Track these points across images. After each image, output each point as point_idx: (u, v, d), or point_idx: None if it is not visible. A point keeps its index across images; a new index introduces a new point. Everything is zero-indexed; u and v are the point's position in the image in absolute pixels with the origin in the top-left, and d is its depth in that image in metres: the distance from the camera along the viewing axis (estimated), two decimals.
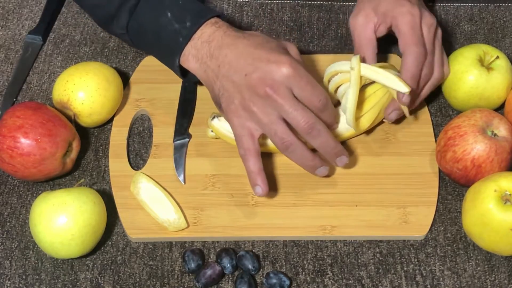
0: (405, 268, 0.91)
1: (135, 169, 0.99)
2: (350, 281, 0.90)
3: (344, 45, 1.12)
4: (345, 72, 0.95)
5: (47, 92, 1.07)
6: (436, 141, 1.00)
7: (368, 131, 1.01)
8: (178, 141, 1.00)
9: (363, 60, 0.98)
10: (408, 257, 0.92)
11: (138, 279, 0.90)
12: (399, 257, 0.92)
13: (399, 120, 1.01)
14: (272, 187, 0.94)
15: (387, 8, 0.97)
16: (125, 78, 1.06)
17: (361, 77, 0.93)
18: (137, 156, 1.01)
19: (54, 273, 0.91)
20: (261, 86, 0.89)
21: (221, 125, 0.97)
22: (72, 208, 0.88)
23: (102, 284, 0.90)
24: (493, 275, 0.90)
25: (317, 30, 1.14)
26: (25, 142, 0.92)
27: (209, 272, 0.89)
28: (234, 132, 0.92)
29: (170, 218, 0.92)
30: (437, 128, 1.03)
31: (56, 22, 1.16)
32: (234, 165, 0.98)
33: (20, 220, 0.95)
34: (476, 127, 0.93)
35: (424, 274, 0.91)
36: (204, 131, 1.00)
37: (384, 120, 0.99)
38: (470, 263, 0.91)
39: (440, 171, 0.98)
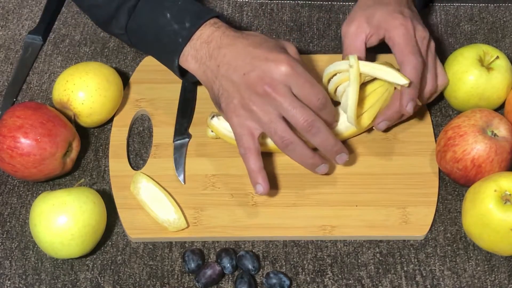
0: (405, 268, 0.91)
1: (135, 169, 0.99)
2: (350, 281, 0.90)
3: None
4: (343, 71, 0.95)
5: (47, 92, 1.07)
6: (436, 141, 1.00)
7: (368, 131, 1.01)
8: (178, 141, 1.00)
9: None
10: (408, 257, 0.92)
11: (138, 279, 0.90)
12: (399, 257, 0.92)
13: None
14: (272, 187, 0.94)
15: (381, 20, 0.96)
16: (125, 78, 1.06)
17: (360, 74, 0.93)
18: (137, 156, 1.01)
19: (54, 273, 0.91)
20: (260, 84, 0.89)
21: (221, 125, 0.97)
22: (72, 208, 0.88)
23: (102, 284, 0.90)
24: (493, 275, 0.90)
25: (317, 30, 1.14)
26: (25, 142, 0.92)
27: (209, 272, 0.89)
28: (234, 131, 0.92)
29: (170, 218, 0.92)
30: (437, 128, 1.03)
31: (56, 22, 1.16)
32: (234, 165, 0.98)
33: (20, 220, 0.95)
34: (476, 127, 0.93)
35: (424, 274, 0.91)
36: (204, 131, 1.00)
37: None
38: (470, 263, 0.91)
39: (440, 171, 0.98)
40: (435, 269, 0.91)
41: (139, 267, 0.92)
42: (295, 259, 0.92)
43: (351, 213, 0.94)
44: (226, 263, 0.90)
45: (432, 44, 0.98)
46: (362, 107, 0.96)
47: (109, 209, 0.93)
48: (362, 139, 1.01)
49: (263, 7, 1.17)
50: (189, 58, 0.95)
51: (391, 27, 0.95)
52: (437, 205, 0.96)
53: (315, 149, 0.93)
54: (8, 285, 0.90)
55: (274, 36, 1.13)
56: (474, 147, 0.92)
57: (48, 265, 0.92)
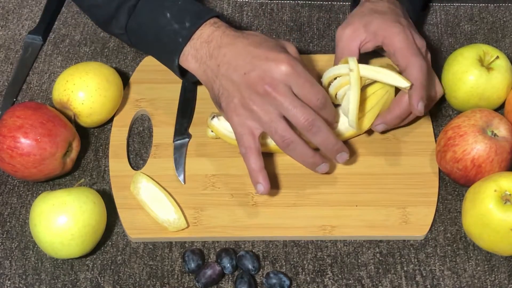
0: (405, 268, 0.91)
1: (135, 169, 0.99)
2: (350, 281, 0.90)
3: None
4: (344, 75, 0.94)
5: (47, 92, 1.07)
6: (436, 141, 1.00)
7: (368, 131, 1.01)
8: (178, 141, 1.00)
9: None
10: (408, 257, 0.92)
11: (138, 279, 0.90)
12: (399, 257, 0.92)
13: None
14: (272, 187, 0.94)
15: (378, 27, 0.96)
16: (125, 78, 1.06)
17: (360, 77, 0.93)
18: (137, 156, 1.01)
19: (54, 273, 0.91)
20: (260, 84, 0.89)
21: (221, 125, 0.97)
22: (72, 208, 0.88)
23: (102, 284, 0.90)
24: (493, 275, 0.90)
25: (317, 30, 1.14)
26: (25, 142, 0.92)
27: (209, 272, 0.89)
28: (235, 131, 0.92)
29: (170, 218, 0.92)
30: (437, 128, 1.03)
31: (56, 22, 1.16)
32: (234, 165, 0.98)
33: (20, 220, 0.95)
34: (476, 127, 0.93)
35: (424, 274, 0.91)
36: (204, 131, 1.00)
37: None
38: (470, 263, 0.91)
39: (440, 171, 0.98)
40: (435, 269, 0.91)
41: (139, 267, 0.92)
42: (295, 259, 0.92)
43: (351, 213, 0.94)
44: (226, 263, 0.90)
45: (429, 54, 0.98)
46: (362, 109, 0.96)
47: (109, 209, 0.93)
48: (362, 139, 1.01)
49: (263, 7, 1.17)
50: (189, 58, 0.95)
51: (390, 34, 0.95)
52: (437, 205, 0.96)
53: (315, 149, 0.93)
54: (8, 285, 0.90)
55: (274, 36, 1.13)
56: (474, 147, 0.92)
57: (48, 265, 0.92)
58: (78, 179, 0.99)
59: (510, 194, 0.87)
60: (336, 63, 0.99)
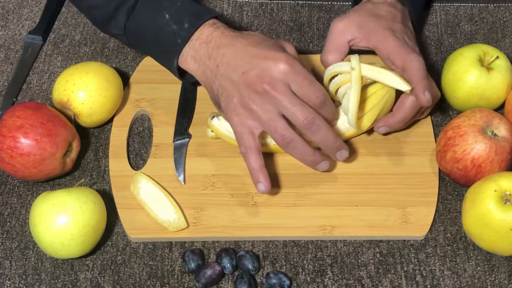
0: (405, 268, 0.91)
1: (135, 169, 0.99)
2: (350, 281, 0.90)
3: None
4: (345, 73, 0.94)
5: (47, 92, 1.07)
6: (436, 141, 1.00)
7: (369, 131, 1.01)
8: (178, 141, 1.00)
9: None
10: (408, 257, 0.92)
11: (138, 279, 0.90)
12: (399, 257, 0.92)
13: None
14: (272, 187, 0.94)
15: (371, 31, 0.96)
16: (125, 78, 1.06)
17: (362, 77, 0.93)
18: (137, 156, 1.01)
19: (54, 273, 0.91)
20: (259, 83, 0.89)
21: (221, 125, 0.97)
22: (72, 208, 0.88)
23: (102, 284, 0.90)
24: (493, 275, 0.90)
25: (317, 30, 1.14)
26: (25, 142, 0.92)
27: (209, 272, 0.89)
28: (234, 130, 0.92)
29: (170, 218, 0.92)
30: (437, 128, 1.03)
31: (56, 22, 1.16)
32: (234, 165, 0.98)
33: (20, 220, 0.95)
34: (476, 127, 0.93)
35: (424, 274, 0.91)
36: (204, 131, 1.00)
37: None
38: (470, 263, 0.91)
39: (440, 171, 0.98)
40: (435, 269, 0.91)
41: (139, 267, 0.92)
42: (295, 259, 0.92)
43: (351, 213, 0.94)
44: (226, 263, 0.90)
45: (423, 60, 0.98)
46: (362, 109, 0.96)
47: (109, 209, 0.93)
48: (362, 139, 1.01)
49: (263, 7, 1.17)
50: (188, 59, 0.95)
51: (382, 38, 0.95)
52: (437, 205, 0.96)
53: (317, 148, 0.93)
54: (8, 285, 0.90)
55: (274, 36, 1.13)
56: (474, 147, 0.92)
57: (48, 265, 0.92)
58: (78, 179, 0.99)
59: (510, 194, 0.87)
60: (324, 55, 0.98)
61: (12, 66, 1.10)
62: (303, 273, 0.91)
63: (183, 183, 0.97)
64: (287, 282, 0.89)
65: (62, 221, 0.88)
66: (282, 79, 0.89)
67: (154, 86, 1.06)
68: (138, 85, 1.06)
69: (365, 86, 0.96)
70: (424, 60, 0.94)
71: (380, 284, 0.90)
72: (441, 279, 0.90)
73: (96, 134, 1.03)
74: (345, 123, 0.97)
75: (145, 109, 1.04)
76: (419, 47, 1.01)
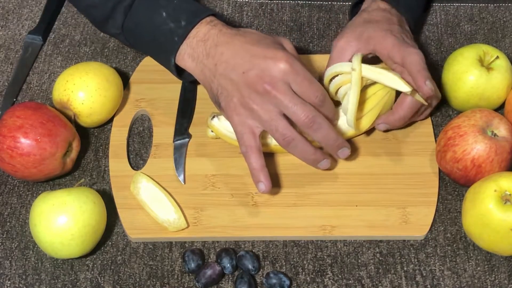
0: (405, 268, 0.91)
1: (135, 169, 0.99)
2: (350, 281, 0.90)
3: None
4: (346, 73, 0.94)
5: (47, 92, 1.07)
6: (436, 141, 1.00)
7: (368, 131, 1.01)
8: (178, 141, 1.00)
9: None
10: (408, 257, 0.92)
11: (138, 279, 0.90)
12: (399, 257, 0.92)
13: None
14: (273, 187, 0.94)
15: (370, 35, 0.97)
16: (125, 78, 1.06)
17: (362, 78, 0.93)
18: (137, 156, 1.01)
19: (54, 273, 0.91)
20: (259, 83, 0.89)
21: (221, 125, 0.97)
22: (72, 208, 0.88)
23: (102, 284, 0.90)
24: (493, 275, 0.90)
25: (317, 30, 1.14)
26: (25, 142, 0.92)
27: (209, 272, 0.89)
28: (235, 130, 0.92)
29: (170, 218, 0.92)
30: (437, 128, 1.03)
31: (56, 22, 1.16)
32: (234, 165, 0.98)
33: (20, 220, 0.95)
34: (476, 127, 0.93)
35: (424, 274, 0.91)
36: (204, 131, 1.00)
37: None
38: (470, 263, 0.91)
39: (440, 171, 0.98)
40: (435, 269, 0.91)
41: (139, 267, 0.92)
42: (295, 259, 0.92)
43: (351, 213, 0.94)
44: (226, 263, 0.90)
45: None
46: (362, 110, 0.96)
47: (109, 209, 0.93)
48: (362, 139, 1.01)
49: (263, 7, 1.17)
50: (186, 57, 0.95)
51: (381, 38, 0.95)
52: (437, 205, 0.96)
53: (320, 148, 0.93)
54: (8, 285, 0.90)
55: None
56: (474, 147, 0.92)
57: (48, 265, 0.92)
58: (78, 179, 0.99)
59: (510, 194, 0.87)
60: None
61: (12, 66, 1.10)
62: (303, 273, 0.91)
63: (183, 183, 0.97)
64: (287, 282, 0.89)
65: (62, 221, 0.87)
66: (282, 78, 0.89)
67: (154, 86, 1.06)
68: (138, 85, 1.06)
69: (365, 87, 0.96)
70: (423, 55, 0.94)
71: (380, 284, 0.90)
72: (441, 279, 0.90)
73: (96, 134, 1.03)
74: (345, 123, 0.97)
75: (145, 109, 1.04)
76: (419, 47, 1.01)
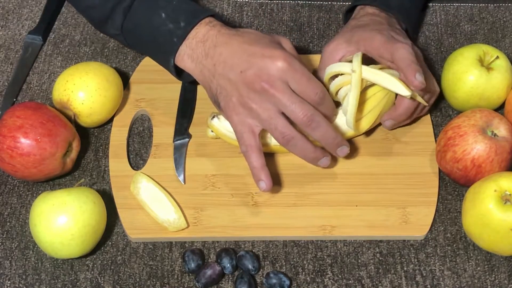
0: (405, 268, 0.91)
1: (135, 169, 0.99)
2: (350, 281, 0.90)
3: None
4: (346, 74, 0.94)
5: (47, 92, 1.07)
6: (436, 141, 1.00)
7: (368, 132, 1.01)
8: (178, 141, 1.00)
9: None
10: (408, 257, 0.92)
11: (138, 279, 0.90)
12: (399, 257, 0.92)
13: None
14: (273, 187, 0.94)
15: (359, 38, 0.97)
16: (125, 78, 1.06)
17: (362, 79, 0.93)
18: (137, 156, 1.01)
19: (54, 273, 0.91)
20: (257, 81, 0.89)
21: (221, 125, 0.97)
22: (72, 208, 0.88)
23: (102, 284, 0.90)
24: (493, 275, 0.90)
25: (317, 30, 1.14)
26: (25, 142, 0.92)
27: (209, 272, 0.89)
28: (235, 129, 0.92)
29: (170, 218, 0.92)
30: (437, 128, 1.03)
31: (56, 22, 1.16)
32: (234, 165, 0.98)
33: (20, 220, 0.95)
34: (476, 127, 0.93)
35: (424, 274, 0.91)
36: (204, 131, 1.00)
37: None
38: (470, 263, 0.91)
39: (440, 171, 0.98)
40: (435, 269, 0.91)
41: (139, 267, 0.92)
42: (295, 259, 0.92)
43: (351, 213, 0.94)
44: (226, 263, 0.90)
45: (418, 50, 0.98)
46: (361, 111, 0.96)
47: (109, 209, 0.93)
48: (362, 139, 1.01)
49: (263, 7, 1.17)
50: (185, 58, 0.95)
51: (369, 38, 0.95)
52: (437, 205, 0.96)
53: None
54: (8, 285, 0.90)
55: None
56: (474, 147, 0.92)
57: (48, 265, 0.92)
58: (78, 179, 0.99)
59: (510, 194, 0.87)
60: (319, 74, 0.99)
61: (12, 66, 1.10)
62: (303, 273, 0.91)
63: (183, 183, 0.97)
64: (287, 282, 0.89)
65: (62, 221, 0.87)
66: (280, 77, 0.89)
67: (154, 86, 1.06)
68: (138, 85, 1.06)
69: (365, 88, 0.96)
70: (416, 49, 0.94)
71: (380, 284, 0.90)
72: (441, 279, 0.90)
73: (96, 134, 1.03)
74: (345, 124, 0.97)
75: (145, 109, 1.04)
76: (419, 47, 1.01)
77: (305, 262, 0.92)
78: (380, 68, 0.95)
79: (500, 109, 1.01)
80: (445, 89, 1.02)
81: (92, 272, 0.91)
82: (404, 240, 0.93)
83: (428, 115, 1.03)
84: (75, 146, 0.97)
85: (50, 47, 1.12)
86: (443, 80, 1.02)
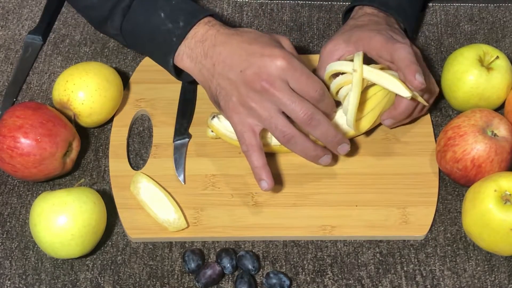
0: (405, 268, 0.91)
1: (135, 169, 0.99)
2: (350, 281, 0.90)
3: None
4: (347, 73, 0.94)
5: (47, 92, 1.07)
6: (436, 141, 1.00)
7: (368, 132, 1.01)
8: (178, 141, 1.00)
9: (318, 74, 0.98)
10: (408, 257, 0.92)
11: (138, 279, 0.90)
12: (399, 257, 0.92)
13: None
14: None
15: (358, 38, 0.97)
16: (125, 78, 1.06)
17: (363, 79, 0.93)
18: (137, 156, 1.01)
19: (54, 273, 0.91)
20: (257, 81, 0.89)
21: (221, 125, 0.97)
22: (72, 208, 0.88)
23: (102, 284, 0.90)
24: (493, 275, 0.90)
25: (317, 30, 1.14)
26: (25, 142, 0.92)
27: (209, 272, 0.89)
28: (235, 129, 0.92)
29: (170, 218, 0.92)
30: (437, 128, 1.03)
31: (56, 22, 1.16)
32: (234, 165, 0.98)
33: (20, 220, 0.95)
34: (476, 127, 0.93)
35: (424, 274, 0.91)
36: (204, 131, 1.00)
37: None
38: (470, 263, 0.91)
39: (440, 171, 0.98)
40: (435, 269, 0.91)
41: (139, 267, 0.92)
42: (295, 259, 0.92)
43: (351, 213, 0.94)
44: (226, 263, 0.90)
45: (417, 50, 0.98)
46: (362, 110, 0.96)
47: (109, 209, 0.93)
48: (362, 139, 1.01)
49: (263, 7, 1.17)
50: (184, 57, 0.95)
51: (368, 38, 0.95)
52: (437, 205, 0.96)
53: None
54: (8, 285, 0.90)
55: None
56: (474, 147, 0.92)
57: (48, 265, 0.92)
58: (78, 179, 0.99)
59: (510, 194, 0.87)
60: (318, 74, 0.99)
61: (12, 66, 1.10)
62: (303, 273, 0.91)
63: (183, 183, 0.97)
64: (287, 282, 0.89)
65: (62, 221, 0.87)
66: (279, 75, 0.89)
67: (154, 86, 1.06)
68: (138, 85, 1.06)
69: (366, 87, 0.96)
70: (415, 49, 0.94)
71: (380, 284, 0.90)
72: (441, 279, 0.90)
73: (96, 134, 1.03)
74: (345, 124, 0.97)
75: (145, 109, 1.04)
76: (419, 47, 1.01)
77: (305, 262, 0.92)
78: (381, 68, 0.95)
79: (500, 109, 1.01)
80: (445, 89, 1.02)
81: (92, 272, 0.91)
82: (404, 240, 0.93)
83: (428, 115, 1.03)
84: (75, 146, 0.97)
85: (50, 47, 1.12)
86: (443, 80, 1.02)
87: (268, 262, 0.92)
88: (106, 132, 1.03)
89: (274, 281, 0.88)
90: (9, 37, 1.14)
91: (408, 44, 0.95)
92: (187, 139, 1.01)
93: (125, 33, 0.99)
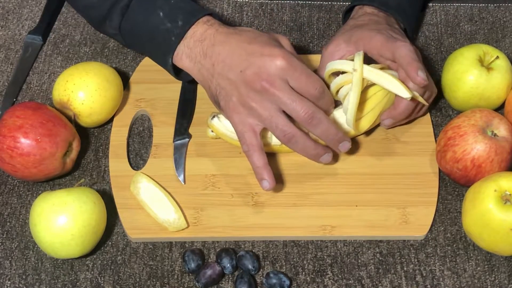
0: (405, 268, 0.91)
1: (135, 169, 0.99)
2: (350, 281, 0.90)
3: None
4: (347, 73, 0.94)
5: (47, 92, 1.07)
6: (436, 141, 1.00)
7: (368, 132, 1.01)
8: (178, 141, 1.00)
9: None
10: (408, 257, 0.92)
11: (138, 279, 0.90)
12: (399, 257, 0.92)
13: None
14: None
15: (358, 37, 0.97)
16: (125, 78, 1.06)
17: (363, 79, 0.93)
18: (137, 156, 1.01)
19: (54, 273, 0.91)
20: (257, 80, 0.89)
21: (221, 125, 0.97)
22: (72, 208, 0.88)
23: (102, 284, 0.90)
24: (493, 275, 0.90)
25: (317, 30, 1.14)
26: (25, 142, 0.92)
27: (209, 272, 0.89)
28: (236, 129, 0.92)
29: (170, 218, 0.92)
30: (437, 128, 1.03)
31: (56, 22, 1.16)
32: (234, 165, 0.98)
33: (20, 220, 0.95)
34: (476, 127, 0.93)
35: (424, 274, 0.91)
36: (204, 131, 1.00)
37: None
38: (470, 263, 0.91)
39: (440, 171, 0.98)
40: (435, 269, 0.91)
41: (139, 267, 0.92)
42: (295, 259, 0.92)
43: (351, 213, 0.94)
44: (226, 263, 0.90)
45: (417, 51, 0.98)
46: (362, 110, 0.96)
47: (109, 209, 0.93)
48: (362, 139, 1.01)
49: (263, 7, 1.17)
50: (183, 57, 0.95)
51: (369, 38, 0.96)
52: (437, 205, 0.96)
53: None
54: (8, 285, 0.90)
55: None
56: (474, 147, 0.92)
57: (48, 265, 0.92)
58: (78, 179, 0.99)
59: (510, 194, 0.87)
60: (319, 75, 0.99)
61: (12, 66, 1.10)
62: (303, 273, 0.91)
63: (183, 183, 0.97)
64: (287, 282, 0.89)
65: (62, 221, 0.87)
66: (279, 75, 0.89)
67: (154, 86, 1.06)
68: (138, 85, 1.06)
69: (366, 87, 0.96)
70: (415, 48, 0.94)
71: (380, 284, 0.90)
72: (441, 279, 0.90)
73: (96, 134, 1.03)
74: (345, 123, 0.97)
75: (145, 109, 1.04)
76: (419, 47, 1.00)
77: (305, 262, 0.92)
78: (381, 68, 0.95)
79: (500, 109, 1.01)
80: (445, 89, 1.02)
81: (92, 272, 0.91)
82: (404, 240, 0.93)
83: (428, 115, 1.03)
84: (75, 146, 0.97)
85: (50, 47, 1.12)
86: (443, 80, 1.02)
87: (268, 262, 0.92)
88: (106, 132, 1.03)
89: (274, 281, 0.88)
90: (9, 37, 1.14)
91: (409, 42, 0.95)
92: (187, 139, 1.01)
93: (124, 32, 0.99)
